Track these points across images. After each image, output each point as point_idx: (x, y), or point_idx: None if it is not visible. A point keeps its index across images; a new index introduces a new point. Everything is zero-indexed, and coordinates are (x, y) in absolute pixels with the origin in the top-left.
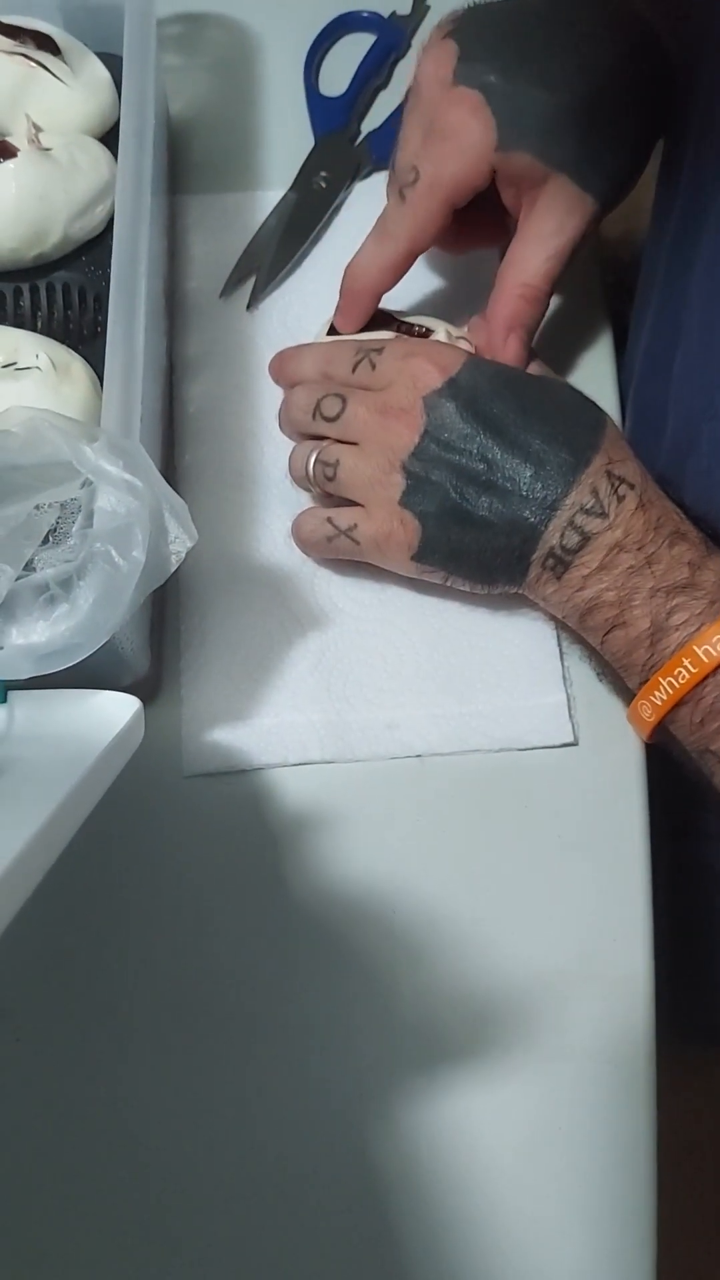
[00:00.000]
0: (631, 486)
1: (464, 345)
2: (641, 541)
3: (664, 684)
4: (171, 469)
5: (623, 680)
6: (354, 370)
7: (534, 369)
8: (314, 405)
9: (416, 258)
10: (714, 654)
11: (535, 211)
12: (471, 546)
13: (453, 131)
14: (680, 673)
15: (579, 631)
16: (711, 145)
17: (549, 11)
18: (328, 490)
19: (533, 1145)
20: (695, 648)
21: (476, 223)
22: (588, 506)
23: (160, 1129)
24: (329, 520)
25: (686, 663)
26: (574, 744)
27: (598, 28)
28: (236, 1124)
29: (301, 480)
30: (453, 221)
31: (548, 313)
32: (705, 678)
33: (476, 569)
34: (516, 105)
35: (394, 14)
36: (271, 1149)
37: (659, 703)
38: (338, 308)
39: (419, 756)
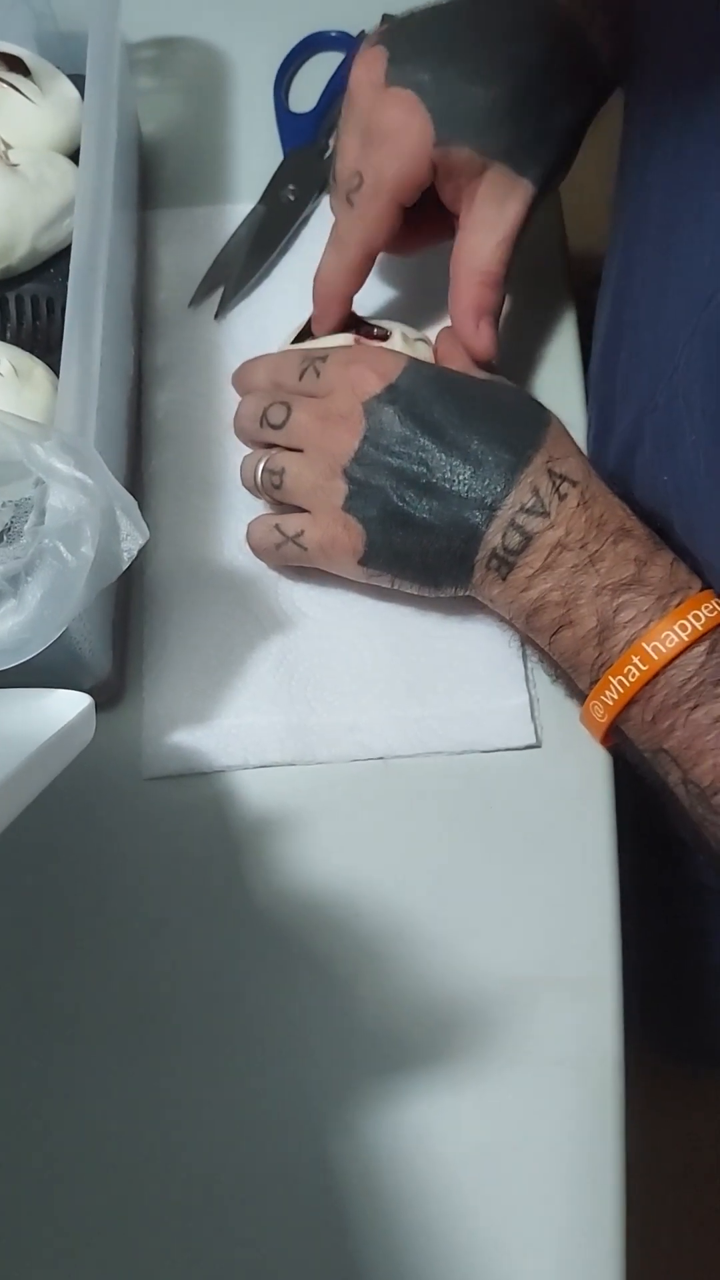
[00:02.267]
0: (574, 484)
1: (422, 346)
2: (584, 539)
3: (614, 683)
4: (138, 474)
5: (574, 683)
6: (300, 378)
7: (478, 371)
8: (261, 413)
9: (373, 259)
10: (663, 650)
11: (477, 202)
12: (415, 549)
13: (391, 132)
14: (630, 670)
15: (527, 634)
16: (656, 148)
17: (473, 15)
18: (275, 497)
19: (496, 1154)
20: (644, 645)
21: (421, 223)
22: (528, 505)
23: (114, 1140)
24: (277, 527)
25: (636, 660)
26: (537, 746)
27: (520, 27)
28: (193, 1134)
29: (251, 488)
30: (401, 223)
31: (518, 328)
32: (655, 675)
33: (421, 571)
34: (450, 100)
35: (362, 33)
36: (228, 1159)
37: (610, 702)
38: (312, 316)
39: (381, 759)
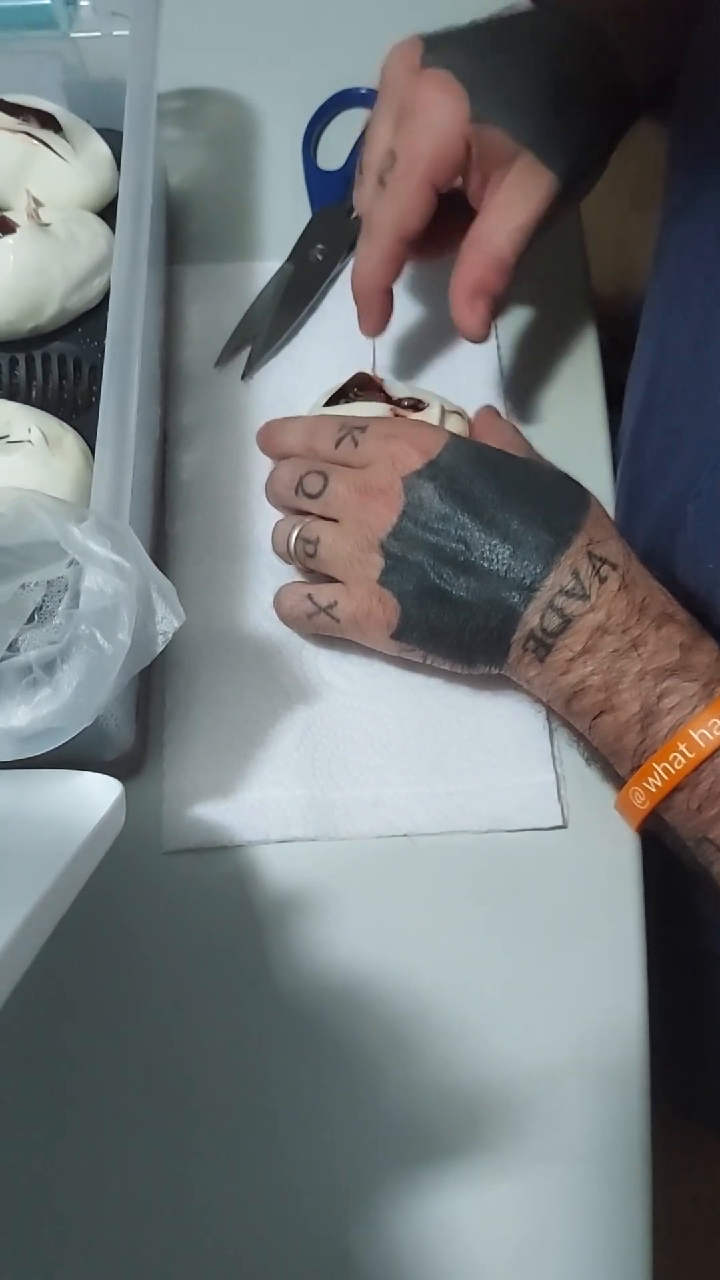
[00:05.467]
0: (614, 567)
1: (457, 420)
2: (626, 624)
3: (659, 769)
4: (162, 537)
5: (613, 767)
6: (337, 446)
7: (518, 449)
8: (297, 480)
9: (408, 246)
10: (711, 738)
11: (501, 188)
12: (450, 626)
13: (425, 108)
14: (676, 758)
15: (566, 717)
16: (686, 233)
17: (508, 24)
18: (309, 566)
19: (522, 1250)
20: (691, 731)
21: (451, 225)
22: (568, 588)
23: (133, 1224)
24: (309, 597)
25: (682, 747)
26: (563, 826)
27: (553, 39)
28: (213, 1222)
29: (284, 555)
30: (434, 209)
31: (541, 374)
32: (702, 763)
33: (456, 649)
34: (486, 79)
35: None
36: (247, 1249)
37: (653, 789)
38: (358, 316)
39: (406, 836)
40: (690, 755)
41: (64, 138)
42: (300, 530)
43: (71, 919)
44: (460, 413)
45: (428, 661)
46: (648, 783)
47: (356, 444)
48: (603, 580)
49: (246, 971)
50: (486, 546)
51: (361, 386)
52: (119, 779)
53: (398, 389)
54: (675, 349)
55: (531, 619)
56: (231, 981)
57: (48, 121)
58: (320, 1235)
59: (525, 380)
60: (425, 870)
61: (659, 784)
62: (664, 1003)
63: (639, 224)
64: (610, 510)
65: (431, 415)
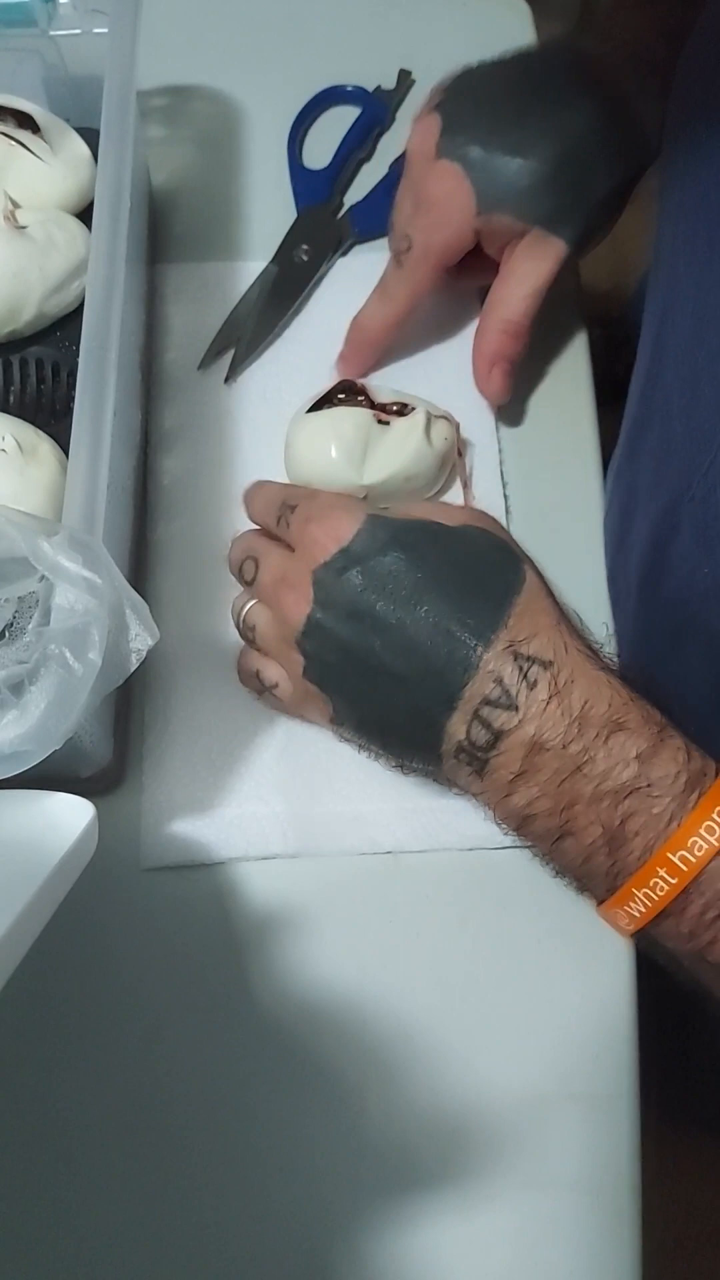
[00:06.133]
0: (545, 665)
1: (444, 424)
2: (565, 740)
3: (639, 895)
4: (143, 543)
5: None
6: (276, 524)
7: (460, 514)
8: (239, 564)
9: (414, 314)
10: (692, 860)
11: (514, 258)
12: (377, 729)
13: (438, 202)
14: (657, 884)
15: (524, 840)
16: (683, 241)
17: (522, 81)
18: (252, 648)
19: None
20: (669, 855)
21: (474, 265)
22: (492, 697)
23: (108, 1256)
24: (257, 674)
25: (662, 873)
26: None
27: (566, 95)
28: (190, 1252)
29: (239, 632)
30: (444, 280)
31: (530, 374)
32: (688, 885)
33: (386, 749)
34: (493, 174)
35: (378, 88)
36: (224, 1276)
37: (637, 915)
38: (341, 354)
39: (389, 853)
40: (673, 881)
41: (41, 138)
42: (245, 613)
43: (48, 938)
44: (446, 417)
45: (368, 754)
46: (629, 908)
47: (289, 525)
48: (531, 685)
49: (226, 991)
50: (399, 650)
51: (346, 392)
52: (97, 795)
53: (383, 394)
54: (671, 352)
55: (456, 731)
56: (211, 1001)
57: (25, 121)
58: (300, 1265)
59: (515, 383)
60: (408, 888)
61: (642, 910)
62: (652, 1004)
63: (632, 220)
64: (601, 520)
65: (418, 419)
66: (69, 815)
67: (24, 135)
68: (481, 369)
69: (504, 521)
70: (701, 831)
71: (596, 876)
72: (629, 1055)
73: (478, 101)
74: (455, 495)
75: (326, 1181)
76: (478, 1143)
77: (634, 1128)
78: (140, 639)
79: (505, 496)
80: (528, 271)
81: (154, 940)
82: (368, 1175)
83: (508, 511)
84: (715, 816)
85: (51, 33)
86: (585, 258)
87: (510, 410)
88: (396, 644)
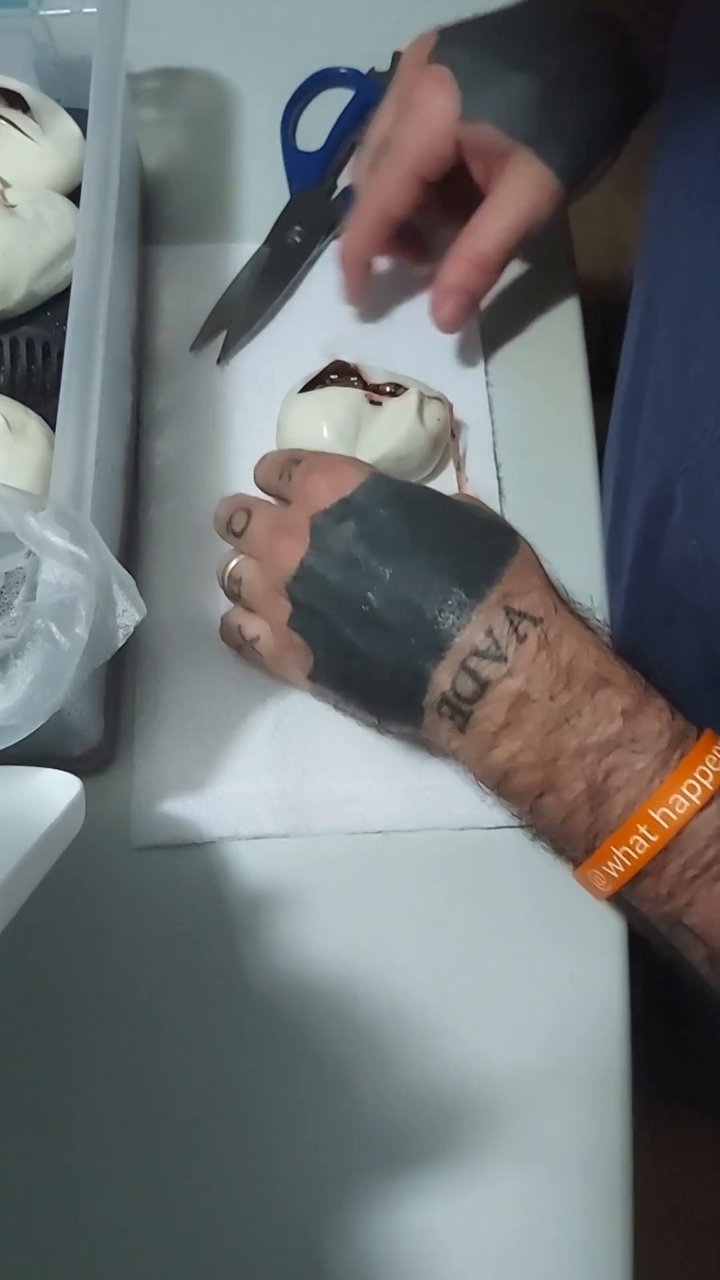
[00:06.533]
0: (535, 622)
1: (437, 406)
2: (553, 691)
3: (618, 854)
4: (134, 524)
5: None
6: (279, 479)
7: (463, 491)
8: (228, 517)
9: (391, 227)
10: (674, 817)
11: (499, 183)
12: (360, 681)
13: (420, 104)
14: (637, 841)
15: (503, 801)
16: (678, 203)
17: (524, 14)
18: (237, 603)
19: (502, 1258)
20: (650, 812)
21: (458, 203)
22: (482, 648)
23: (104, 1237)
24: (239, 628)
25: (643, 829)
26: None
27: (567, 26)
28: (184, 1233)
29: (223, 589)
30: (423, 197)
31: (525, 359)
32: (667, 844)
33: (366, 704)
34: (481, 79)
35: (372, 70)
36: (222, 1259)
37: (615, 875)
38: (341, 283)
39: (380, 832)
40: (653, 838)
41: (32, 117)
42: (230, 567)
43: (39, 916)
44: (440, 398)
45: (344, 712)
46: (608, 867)
47: (291, 478)
48: (521, 639)
49: (217, 970)
50: (393, 600)
51: (338, 373)
52: (88, 774)
53: (376, 374)
54: (661, 327)
55: (442, 681)
56: (202, 980)
57: (14, 100)
58: (293, 1242)
59: (508, 365)
60: (400, 867)
61: (621, 869)
62: (644, 984)
63: (629, 206)
64: (595, 502)
65: (410, 400)
66: (56, 790)
67: (13, 114)
68: (437, 296)
69: (497, 504)
70: (684, 789)
71: (575, 836)
72: (621, 1034)
73: (478, 22)
74: (448, 477)
75: (318, 1158)
76: (469, 1121)
77: (625, 1107)
78: (127, 615)
79: (499, 479)
80: (511, 201)
81: (145, 919)
82: (359, 1152)
83: (501, 494)
84: (697, 775)
85: (41, 12)
86: (583, 257)
87: (504, 392)
88: (388, 593)
